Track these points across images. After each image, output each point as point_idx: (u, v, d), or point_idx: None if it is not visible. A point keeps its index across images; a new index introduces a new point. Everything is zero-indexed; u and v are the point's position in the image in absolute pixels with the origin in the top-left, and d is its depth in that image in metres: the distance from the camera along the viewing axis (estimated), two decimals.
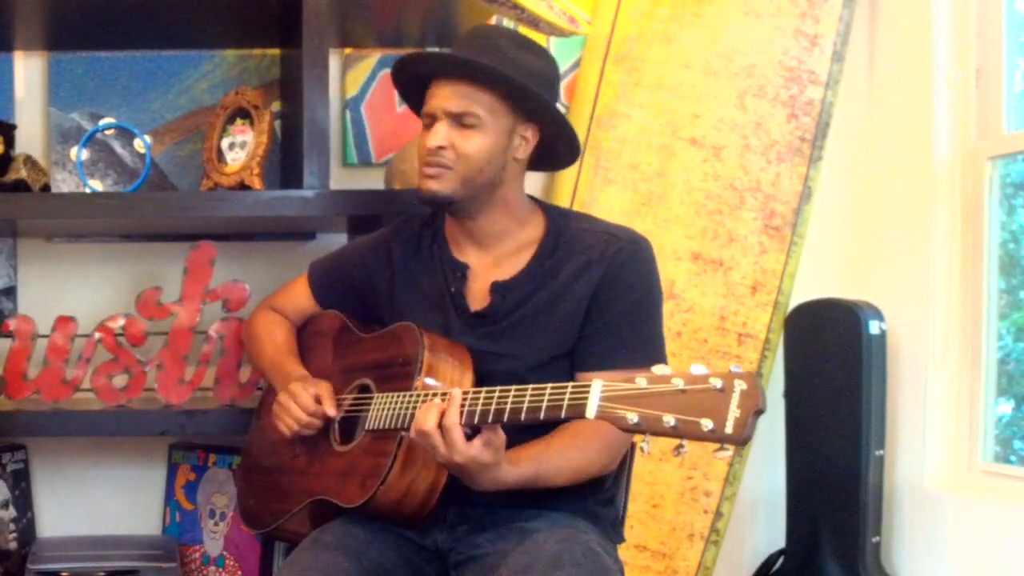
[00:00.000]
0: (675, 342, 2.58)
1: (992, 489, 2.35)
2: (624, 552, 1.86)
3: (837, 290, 2.60)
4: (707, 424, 1.29)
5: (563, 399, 1.44)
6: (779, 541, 2.62)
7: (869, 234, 2.70)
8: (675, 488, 2.60)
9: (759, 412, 1.28)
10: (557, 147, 1.83)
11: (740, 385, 1.29)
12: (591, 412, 1.39)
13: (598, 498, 1.80)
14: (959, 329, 2.44)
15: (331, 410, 1.82)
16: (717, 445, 1.30)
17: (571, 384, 1.45)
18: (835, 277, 2.69)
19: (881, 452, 2.47)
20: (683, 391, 1.32)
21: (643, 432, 1.35)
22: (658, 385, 1.34)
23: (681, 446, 1.33)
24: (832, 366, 2.49)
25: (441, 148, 1.73)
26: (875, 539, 2.46)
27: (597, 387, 1.40)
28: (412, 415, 1.62)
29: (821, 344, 2.52)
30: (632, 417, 1.35)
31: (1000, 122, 2.39)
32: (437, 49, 2.63)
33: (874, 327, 2.46)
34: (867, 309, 2.48)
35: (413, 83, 1.84)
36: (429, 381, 1.70)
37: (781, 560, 2.61)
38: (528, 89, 1.74)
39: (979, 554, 2.31)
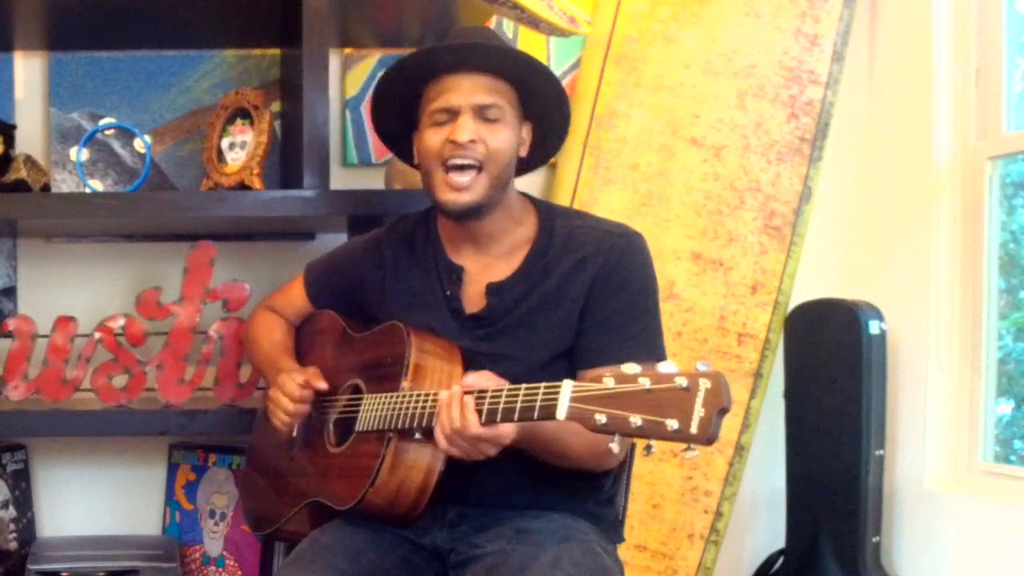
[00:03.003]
0: (675, 342, 2.58)
1: (992, 489, 2.35)
2: (624, 552, 1.86)
3: (837, 290, 2.60)
4: (672, 424, 1.28)
5: (535, 401, 1.44)
6: (779, 541, 2.62)
7: (869, 234, 2.70)
8: (675, 488, 2.60)
9: (723, 411, 1.27)
10: (540, 149, 1.84)
11: (704, 384, 1.28)
12: (561, 413, 1.39)
13: (598, 498, 1.80)
14: (959, 329, 2.44)
15: (321, 384, 1.82)
16: (685, 445, 1.29)
17: (543, 385, 1.44)
18: (835, 277, 2.69)
19: (881, 452, 2.47)
20: (649, 391, 1.31)
21: (611, 432, 1.34)
22: (626, 385, 1.34)
23: (650, 446, 1.33)
24: (832, 366, 2.49)
25: (472, 142, 1.69)
26: (875, 539, 2.46)
27: (567, 388, 1.39)
28: (399, 416, 1.63)
29: (821, 344, 2.52)
30: (601, 418, 1.34)
31: (1000, 122, 2.39)
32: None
33: (874, 327, 2.46)
34: (867, 309, 2.48)
35: (405, 86, 1.79)
36: (425, 380, 1.69)
37: (781, 560, 2.61)
38: (551, 76, 1.75)
39: (979, 554, 2.31)
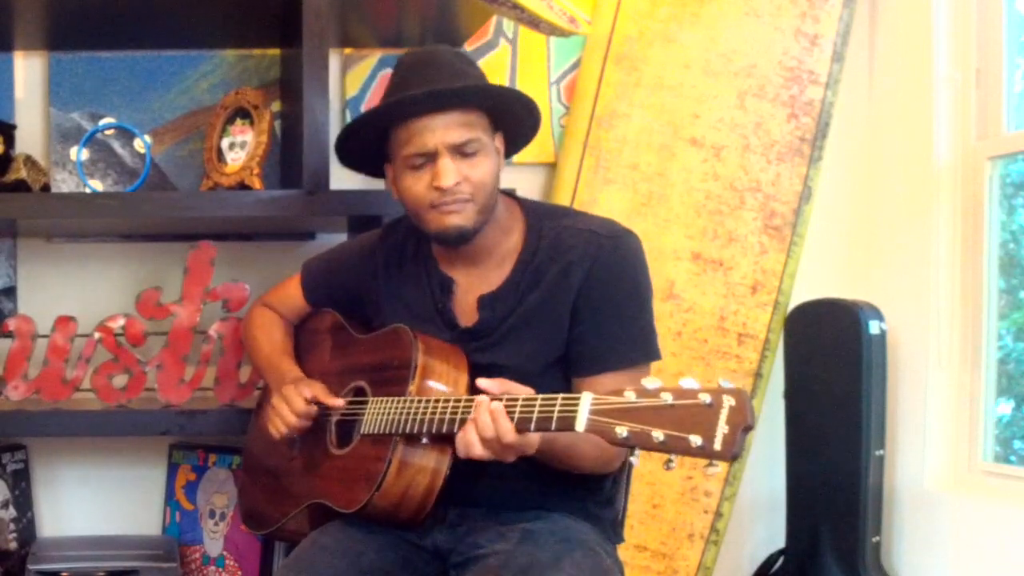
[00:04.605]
0: (675, 342, 2.58)
1: (992, 489, 2.35)
2: (624, 552, 1.86)
3: (837, 290, 2.60)
4: (696, 440, 1.28)
5: (552, 411, 1.43)
6: (779, 541, 2.62)
7: (869, 234, 2.70)
8: (675, 488, 2.60)
9: (747, 429, 1.27)
10: (511, 148, 1.82)
11: (728, 401, 1.28)
12: (580, 425, 1.39)
13: (598, 499, 1.80)
14: (959, 329, 2.44)
15: (336, 401, 1.81)
16: (707, 461, 1.29)
17: (561, 396, 1.43)
18: (835, 277, 2.69)
19: (881, 452, 2.47)
20: (672, 406, 1.31)
21: (632, 446, 1.35)
22: (647, 399, 1.34)
23: (671, 460, 1.33)
24: (832, 366, 2.49)
25: (457, 184, 1.66)
26: (875, 539, 2.46)
27: (587, 400, 1.39)
28: (407, 420, 1.62)
29: (821, 344, 2.52)
30: (622, 431, 1.34)
31: (1000, 122, 2.39)
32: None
33: (874, 327, 2.46)
34: (867, 309, 2.48)
35: (370, 133, 1.75)
36: (432, 384, 1.69)
37: (781, 560, 2.61)
38: (522, 97, 1.73)
39: (979, 554, 2.31)
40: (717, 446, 1.27)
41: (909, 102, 2.55)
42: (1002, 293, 2.41)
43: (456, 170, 1.66)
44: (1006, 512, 2.26)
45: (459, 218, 1.69)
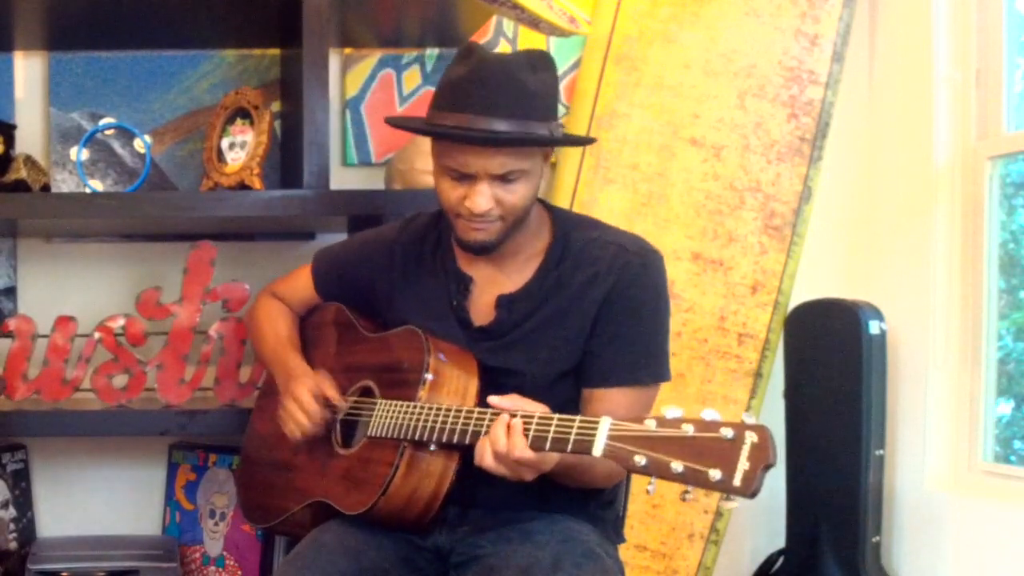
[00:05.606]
0: (675, 342, 2.57)
1: (992, 489, 2.35)
2: (624, 552, 1.86)
3: (837, 290, 2.60)
4: (715, 475, 1.28)
5: (570, 433, 1.42)
6: (779, 541, 2.62)
7: (869, 234, 2.70)
8: (675, 488, 2.58)
9: (768, 466, 1.27)
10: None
11: (751, 437, 1.27)
12: (597, 450, 1.38)
13: (599, 500, 1.80)
14: (959, 329, 2.44)
15: (341, 403, 1.80)
16: (724, 494, 1.29)
17: (579, 418, 1.43)
18: (835, 277, 2.69)
19: (881, 452, 2.47)
20: (693, 438, 1.31)
21: (650, 475, 1.34)
22: (667, 429, 1.33)
23: (687, 491, 1.32)
24: (832, 366, 2.49)
25: (489, 209, 1.64)
26: (875, 539, 2.46)
27: (605, 425, 1.38)
28: (416, 427, 1.62)
29: (821, 344, 2.52)
30: (640, 460, 1.33)
31: (1000, 122, 2.39)
32: (437, 51, 2.64)
33: (874, 327, 2.46)
34: (867, 309, 2.48)
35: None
36: (441, 357, 1.68)
37: (781, 560, 2.61)
38: (580, 141, 1.79)
39: (979, 554, 2.31)
40: (737, 482, 1.27)
41: (909, 102, 2.55)
42: (1002, 293, 2.41)
43: (491, 196, 1.64)
44: (1006, 512, 2.26)
45: (483, 235, 1.68)
